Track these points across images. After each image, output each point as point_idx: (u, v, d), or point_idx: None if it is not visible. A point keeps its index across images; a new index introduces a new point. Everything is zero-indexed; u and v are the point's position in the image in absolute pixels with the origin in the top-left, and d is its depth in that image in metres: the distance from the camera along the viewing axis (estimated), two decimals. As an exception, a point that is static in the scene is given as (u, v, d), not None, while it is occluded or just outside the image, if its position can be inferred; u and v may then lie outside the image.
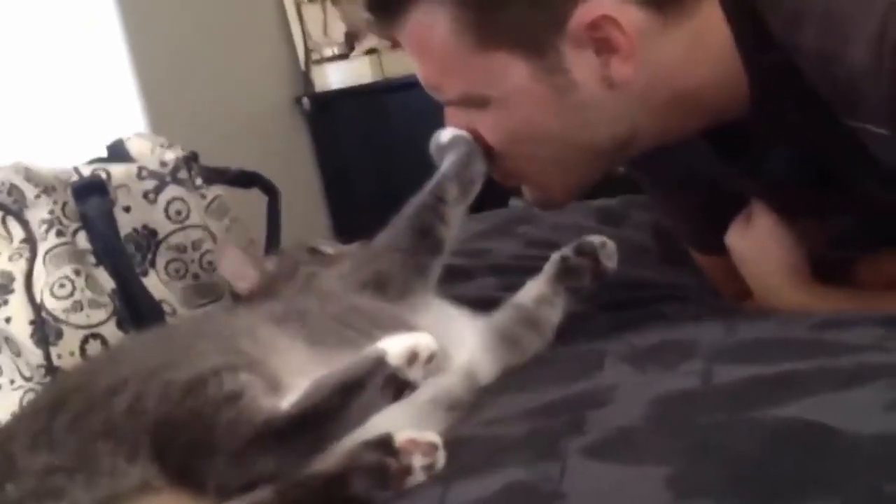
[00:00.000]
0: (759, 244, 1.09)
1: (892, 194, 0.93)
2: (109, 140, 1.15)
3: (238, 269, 1.00)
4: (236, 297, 1.01)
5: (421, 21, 0.93)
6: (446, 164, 0.99)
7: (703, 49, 0.93)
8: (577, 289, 1.01)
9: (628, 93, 0.93)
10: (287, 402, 0.67)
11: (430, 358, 0.68)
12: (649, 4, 0.90)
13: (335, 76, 2.77)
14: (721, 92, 0.94)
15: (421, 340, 0.68)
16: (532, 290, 1.01)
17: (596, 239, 1.01)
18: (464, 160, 0.98)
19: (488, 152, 0.99)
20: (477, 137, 0.99)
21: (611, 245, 1.01)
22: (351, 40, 2.80)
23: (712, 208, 1.14)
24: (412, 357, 0.68)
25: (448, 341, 0.87)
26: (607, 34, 0.89)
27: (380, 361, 0.67)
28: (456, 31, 0.92)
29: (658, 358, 0.85)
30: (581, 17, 0.89)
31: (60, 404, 0.69)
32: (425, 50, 0.96)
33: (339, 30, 2.85)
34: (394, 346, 0.68)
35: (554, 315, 1.00)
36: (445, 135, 1.00)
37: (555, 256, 1.02)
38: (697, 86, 0.94)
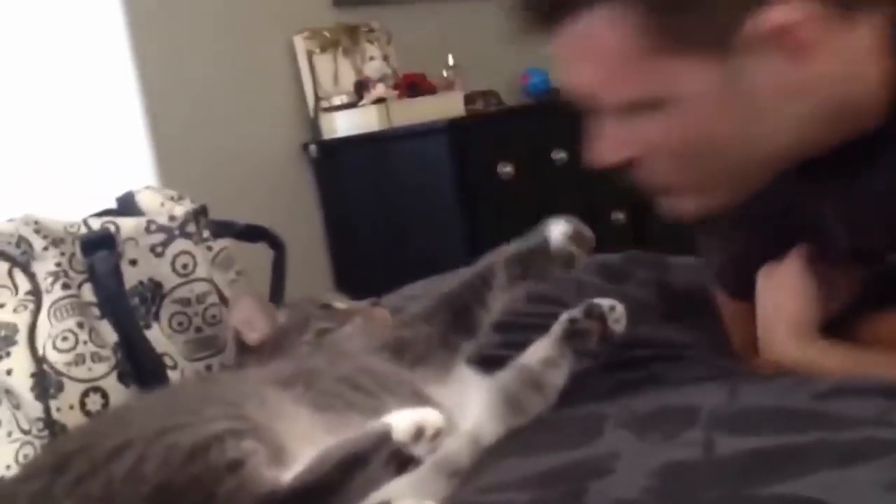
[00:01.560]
0: (777, 288, 1.07)
1: None
2: (120, 191, 1.16)
3: (250, 319, 0.99)
4: (244, 347, 1.01)
5: (595, 24, 0.91)
6: (511, 249, 0.97)
7: (873, 60, 0.92)
8: (584, 351, 1.01)
9: (805, 100, 0.91)
10: (290, 474, 0.67)
11: (437, 434, 0.68)
12: (830, 12, 0.89)
13: (343, 124, 2.80)
14: (874, 104, 0.93)
15: (429, 417, 0.68)
16: (538, 351, 1.00)
17: (605, 302, 1.01)
18: (526, 254, 0.96)
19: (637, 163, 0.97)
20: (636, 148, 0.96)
21: (620, 309, 1.00)
22: (360, 89, 2.83)
23: (759, 254, 1.12)
24: (419, 433, 0.67)
25: (456, 407, 0.87)
26: (790, 39, 0.88)
27: (385, 437, 0.67)
28: (636, 34, 0.89)
29: (659, 425, 0.85)
30: (765, 20, 0.87)
31: (63, 466, 0.69)
32: (594, 53, 0.93)
33: (348, 79, 2.89)
34: (400, 422, 0.67)
35: (559, 377, 0.99)
36: (561, 227, 0.98)
37: (563, 318, 1.01)
38: (862, 98, 0.93)
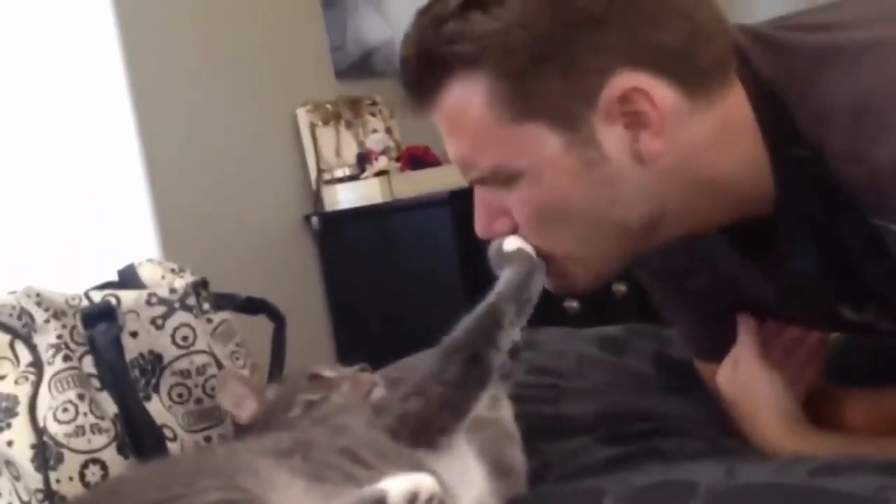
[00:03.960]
0: (745, 387, 1.10)
1: None
2: (122, 264, 1.17)
3: (238, 399, 1.01)
4: (237, 427, 1.02)
5: (456, 96, 0.95)
6: (505, 280, 0.95)
7: (730, 137, 0.94)
8: (507, 374, 1.02)
9: (657, 170, 0.93)
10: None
11: (431, 499, 0.69)
12: (678, 86, 0.92)
13: (345, 196, 2.83)
14: (747, 181, 0.95)
15: (423, 482, 0.70)
16: None
17: None
18: (524, 279, 0.94)
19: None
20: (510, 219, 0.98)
21: None
22: (362, 162, 2.86)
23: (721, 318, 1.14)
24: (412, 499, 0.68)
25: (455, 475, 0.87)
26: (638, 108, 0.91)
27: (380, 502, 0.68)
28: (490, 104, 0.93)
29: (657, 499, 0.85)
30: (613, 89, 0.90)
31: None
32: (459, 124, 0.97)
33: (350, 151, 2.92)
34: (395, 487, 0.69)
35: (509, 409, 1.00)
36: (509, 244, 0.98)
37: None
38: (724, 173, 0.95)
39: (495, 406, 0.99)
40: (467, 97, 0.94)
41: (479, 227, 1.02)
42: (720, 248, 1.05)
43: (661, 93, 0.91)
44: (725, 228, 1.02)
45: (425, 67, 0.96)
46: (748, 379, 1.10)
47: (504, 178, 0.96)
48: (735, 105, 0.94)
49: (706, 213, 0.98)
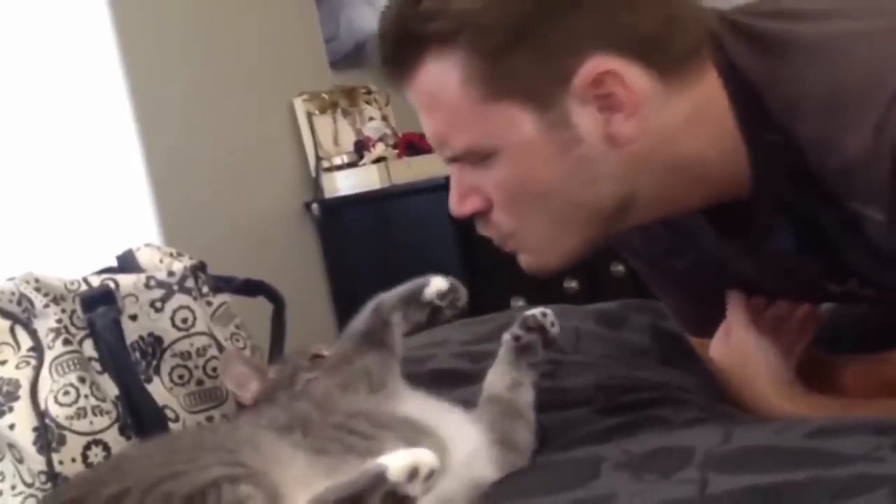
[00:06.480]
0: (740, 355, 1.11)
1: (886, 277, 0.94)
2: (120, 250, 1.18)
3: (241, 380, 1.01)
4: (240, 406, 1.02)
5: (432, 73, 0.95)
6: (389, 294, 1.04)
7: (704, 121, 0.95)
8: (535, 363, 1.02)
9: (630, 153, 0.94)
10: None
11: (431, 474, 0.70)
12: (652, 71, 0.92)
13: (344, 182, 2.84)
14: (721, 166, 0.95)
15: (423, 457, 0.70)
16: (500, 379, 1.02)
17: (537, 311, 1.03)
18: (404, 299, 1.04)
19: (487, 213, 1.00)
20: (482, 198, 1.00)
21: (550, 313, 1.03)
22: (360, 149, 2.87)
23: (709, 295, 1.15)
24: (413, 473, 0.69)
25: (449, 440, 0.88)
26: (611, 90, 0.91)
27: (380, 477, 0.69)
28: (466, 82, 0.93)
29: (655, 465, 0.86)
30: (587, 71, 0.91)
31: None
32: (435, 102, 0.97)
33: (348, 139, 2.93)
34: (395, 462, 0.69)
35: (528, 395, 1.01)
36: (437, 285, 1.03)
37: (507, 338, 1.03)
38: (697, 156, 0.95)
39: (516, 390, 1.00)
40: (443, 75, 0.95)
41: (452, 205, 1.02)
42: (701, 228, 1.06)
43: (634, 76, 0.91)
44: (704, 210, 1.02)
45: (402, 44, 0.97)
46: (741, 348, 1.10)
47: (478, 157, 0.97)
48: (709, 91, 0.95)
49: (681, 197, 0.99)
